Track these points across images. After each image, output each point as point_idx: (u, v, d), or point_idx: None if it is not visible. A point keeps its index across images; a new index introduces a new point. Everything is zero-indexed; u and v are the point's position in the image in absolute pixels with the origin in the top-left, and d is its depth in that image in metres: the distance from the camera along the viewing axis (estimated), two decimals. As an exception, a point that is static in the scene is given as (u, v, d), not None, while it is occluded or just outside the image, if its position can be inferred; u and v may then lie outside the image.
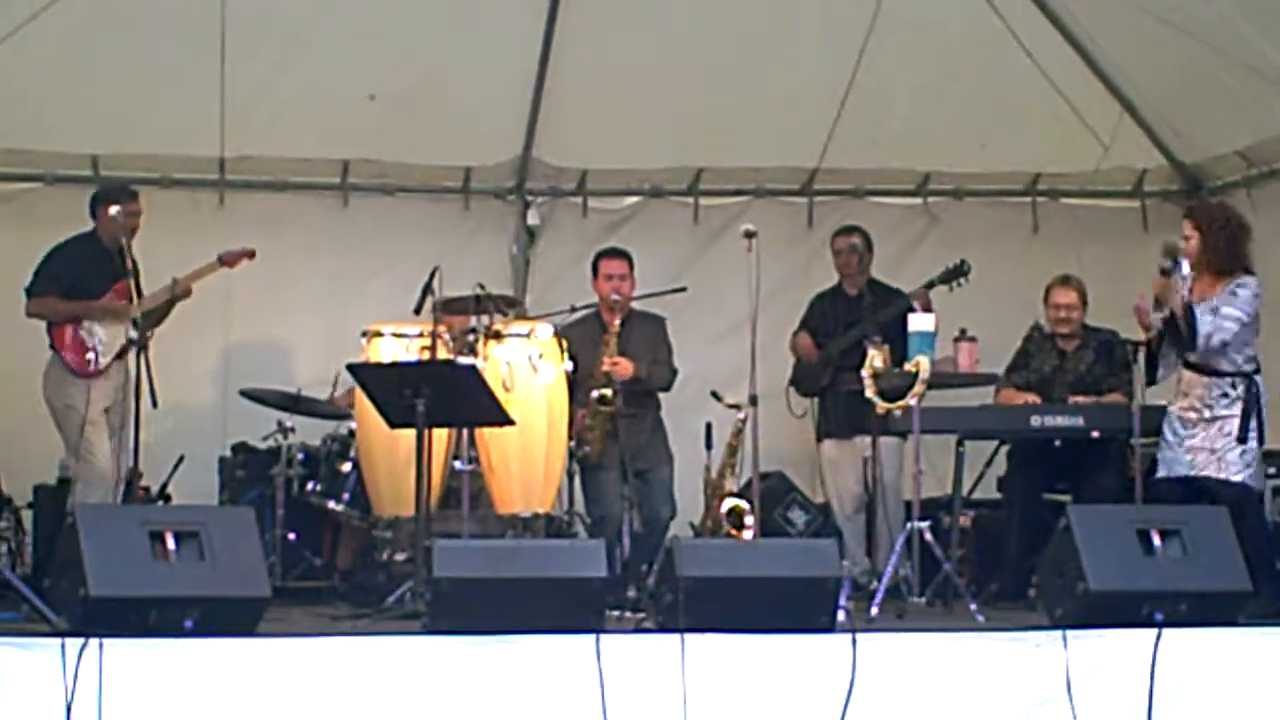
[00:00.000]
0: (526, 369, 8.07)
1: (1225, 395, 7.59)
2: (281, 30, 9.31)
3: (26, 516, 9.21)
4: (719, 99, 9.82)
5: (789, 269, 10.04)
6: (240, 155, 9.89)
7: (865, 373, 7.83)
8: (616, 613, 7.06)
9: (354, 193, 10.31)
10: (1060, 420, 8.35)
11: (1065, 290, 8.82)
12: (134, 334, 8.24)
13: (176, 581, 5.90)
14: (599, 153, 10.29)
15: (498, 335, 8.13)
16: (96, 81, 9.23)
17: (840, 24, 9.48)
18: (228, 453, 9.57)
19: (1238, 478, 7.50)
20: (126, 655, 5.57)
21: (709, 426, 8.78)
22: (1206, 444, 7.57)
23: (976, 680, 6.12)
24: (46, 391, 8.62)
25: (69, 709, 5.46)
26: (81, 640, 5.52)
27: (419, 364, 7.85)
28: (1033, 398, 8.62)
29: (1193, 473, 7.58)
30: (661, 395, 9.01)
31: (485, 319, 8.26)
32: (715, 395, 8.84)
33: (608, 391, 8.47)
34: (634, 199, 10.62)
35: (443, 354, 7.93)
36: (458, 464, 8.02)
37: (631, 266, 8.94)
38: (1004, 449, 8.98)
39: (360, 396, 7.93)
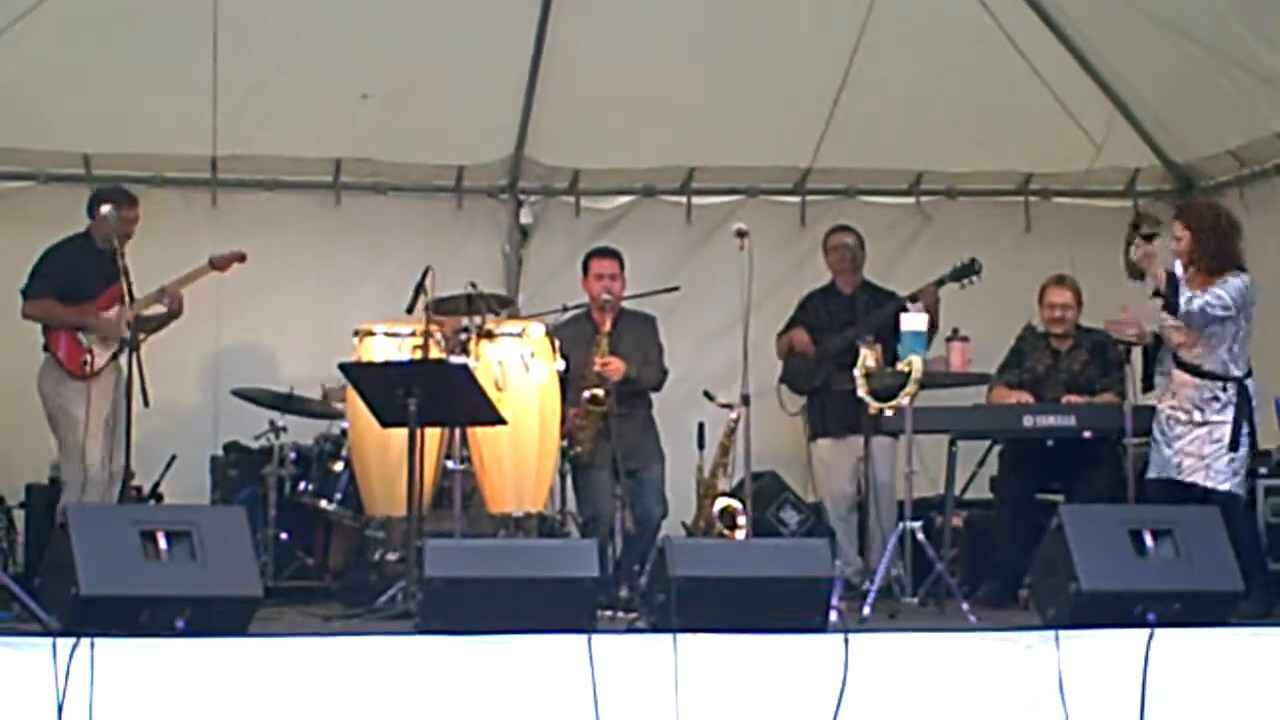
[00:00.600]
0: (519, 368, 8.06)
1: (1216, 399, 7.59)
2: (274, 29, 9.30)
3: (18, 516, 9.20)
4: (711, 98, 9.82)
5: (781, 268, 10.06)
6: (232, 154, 9.88)
7: (858, 372, 7.83)
8: (609, 613, 7.06)
9: (346, 192, 10.29)
10: (1052, 420, 8.35)
11: (1060, 290, 8.82)
12: (127, 334, 8.25)
13: (168, 581, 5.90)
14: (591, 152, 10.29)
15: (490, 334, 8.12)
16: (89, 80, 9.21)
17: (833, 23, 9.48)
18: (220, 452, 9.55)
19: (1224, 486, 7.50)
20: (118, 655, 5.57)
21: (701, 426, 8.78)
22: (1195, 449, 7.57)
23: (968, 680, 6.13)
24: (42, 391, 8.61)
25: (60, 709, 5.46)
26: (73, 640, 5.51)
27: (411, 363, 7.85)
28: (1024, 395, 8.62)
29: (1180, 477, 7.58)
30: (653, 394, 9.00)
31: (477, 318, 8.25)
32: (708, 395, 8.85)
33: (599, 391, 8.47)
34: (626, 198, 10.62)
35: (435, 353, 7.92)
36: (450, 463, 8.01)
37: (622, 266, 8.93)
38: (996, 449, 8.98)
39: (352, 395, 7.93)
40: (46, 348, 8.59)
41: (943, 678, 6.12)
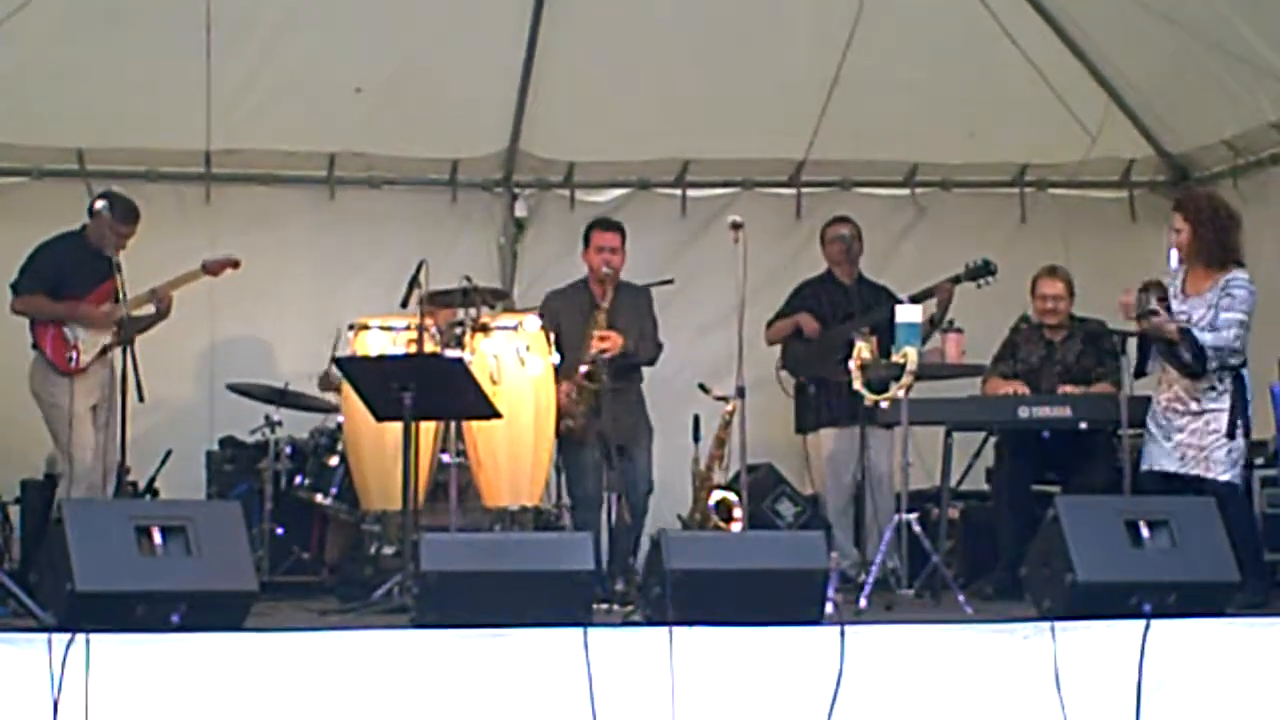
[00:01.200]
0: (514, 362, 8.05)
1: (1213, 389, 7.57)
2: (267, 23, 9.29)
3: (13, 512, 9.20)
4: (706, 91, 9.81)
5: (777, 261, 10.05)
6: (226, 149, 9.87)
7: (853, 364, 7.83)
8: (604, 605, 7.05)
9: (340, 186, 10.29)
10: (1048, 411, 8.33)
11: (1052, 281, 8.81)
12: (116, 333, 8.24)
13: (163, 576, 5.90)
14: (586, 145, 10.28)
15: (485, 328, 8.11)
16: (82, 76, 9.20)
17: (827, 15, 9.48)
18: (215, 447, 9.55)
19: (1224, 477, 7.48)
20: (113, 650, 5.55)
21: (697, 418, 8.78)
22: (1194, 440, 7.56)
23: (965, 672, 6.12)
24: (34, 387, 8.62)
25: (56, 705, 5.45)
26: (68, 635, 5.50)
27: (406, 357, 7.85)
28: (1019, 385, 8.61)
29: (1180, 469, 7.57)
30: (649, 386, 8.97)
31: (472, 312, 8.24)
32: (703, 387, 8.84)
33: (597, 366, 8.39)
34: (621, 191, 10.61)
35: (430, 347, 7.91)
36: (445, 457, 8.01)
37: (624, 239, 8.83)
38: (992, 440, 8.98)
39: (347, 390, 7.92)
40: (35, 344, 8.58)
41: (939, 669, 6.11)
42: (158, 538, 5.93)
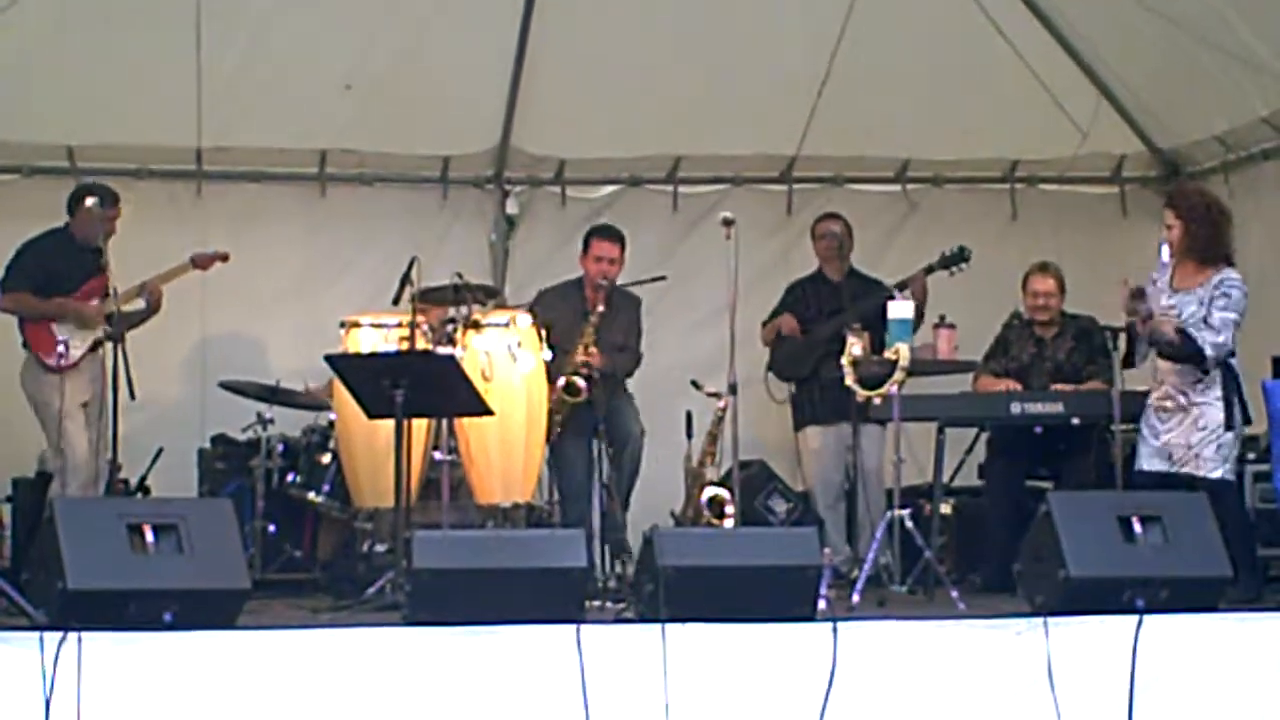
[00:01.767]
0: (505, 358, 8.05)
1: (1200, 382, 7.58)
2: (256, 19, 9.26)
3: (5, 510, 9.18)
4: (697, 87, 9.80)
5: (768, 257, 10.06)
6: (217, 146, 9.85)
7: (845, 360, 7.83)
8: (597, 602, 7.05)
9: (331, 183, 10.27)
10: (1040, 407, 8.34)
11: (1043, 277, 8.80)
12: (107, 328, 8.22)
13: (155, 574, 5.89)
14: (577, 141, 10.26)
15: (476, 325, 8.10)
16: (72, 73, 9.18)
17: (818, 11, 9.46)
18: (207, 445, 9.53)
19: (1215, 474, 7.48)
20: (105, 649, 5.56)
21: (689, 415, 8.76)
22: (1183, 439, 7.55)
23: (958, 668, 6.13)
24: (24, 386, 8.60)
25: (48, 703, 5.45)
26: (60, 634, 5.50)
27: (398, 354, 7.84)
28: (1011, 383, 8.61)
29: (1170, 469, 7.57)
30: (641, 383, 8.98)
31: (464, 309, 8.23)
32: (695, 384, 8.83)
33: (577, 380, 8.40)
34: (613, 187, 10.59)
35: (421, 344, 7.90)
36: (437, 455, 8.00)
37: (624, 249, 8.86)
38: (984, 436, 8.98)
39: (339, 387, 7.91)
40: (24, 343, 8.57)
41: (932, 665, 6.12)
42: (149, 536, 5.93)
